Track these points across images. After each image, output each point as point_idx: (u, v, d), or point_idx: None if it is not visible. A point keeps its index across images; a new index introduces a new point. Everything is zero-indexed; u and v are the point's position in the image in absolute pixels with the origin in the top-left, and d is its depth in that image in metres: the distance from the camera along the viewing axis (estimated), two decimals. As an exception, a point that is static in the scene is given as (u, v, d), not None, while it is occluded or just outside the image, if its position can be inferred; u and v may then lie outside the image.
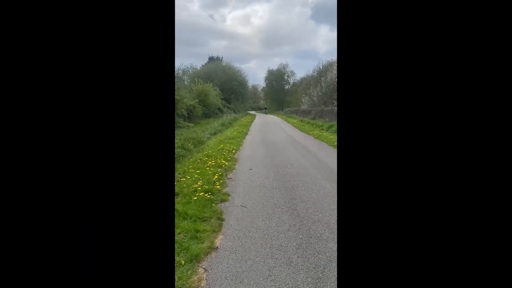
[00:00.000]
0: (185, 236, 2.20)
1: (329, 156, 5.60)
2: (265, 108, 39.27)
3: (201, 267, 1.85)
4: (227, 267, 1.84)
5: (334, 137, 8.41)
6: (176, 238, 2.12)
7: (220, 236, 2.27)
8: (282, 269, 1.81)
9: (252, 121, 19.28)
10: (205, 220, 2.54)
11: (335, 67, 21.61)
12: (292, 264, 1.86)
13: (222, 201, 3.09)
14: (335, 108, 14.58)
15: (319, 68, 25.91)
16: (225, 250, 2.05)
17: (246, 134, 10.44)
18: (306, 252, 2.00)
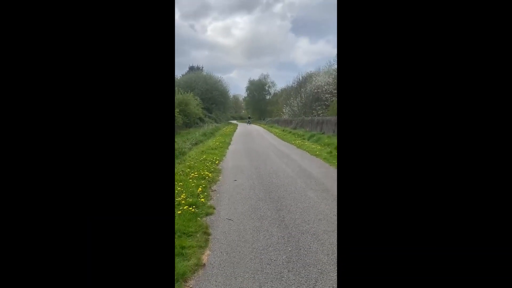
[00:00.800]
0: (170, 253, 2.08)
1: (312, 166, 5.68)
2: (249, 118, 33.30)
3: (188, 287, 1.75)
4: (215, 286, 1.76)
5: (315, 147, 8.58)
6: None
7: (207, 252, 2.18)
8: (273, 285, 1.76)
9: (234, 130, 19.23)
10: (190, 235, 2.43)
11: (314, 79, 22.35)
12: (283, 278, 1.82)
13: (208, 214, 3.00)
14: (315, 118, 14.97)
15: (299, 79, 26.68)
16: (213, 267, 1.97)
17: (229, 144, 10.36)
18: (297, 265, 1.97)
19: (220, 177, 4.77)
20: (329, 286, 1.73)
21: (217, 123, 26.03)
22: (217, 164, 5.94)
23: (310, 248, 2.21)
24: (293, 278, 1.82)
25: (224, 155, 7.40)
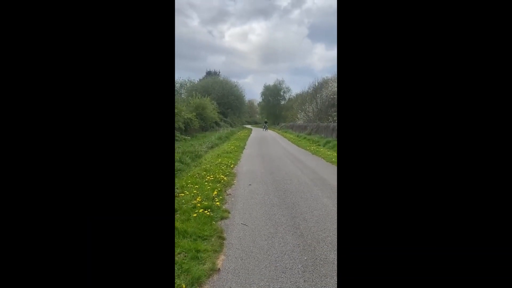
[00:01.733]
0: (185, 256, 2.10)
1: (328, 173, 5.57)
2: (265, 122, 31.48)
3: (203, 291, 1.75)
4: (230, 292, 1.74)
5: (331, 153, 8.43)
6: (176, 258, 2.02)
7: (222, 257, 2.18)
8: (288, 294, 1.72)
9: (249, 135, 19.30)
10: (205, 239, 2.44)
11: (331, 84, 22.09)
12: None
13: (222, 218, 3.00)
14: (331, 124, 14.74)
15: (315, 85, 26.45)
16: (228, 273, 1.95)
17: (244, 148, 10.40)
18: (313, 275, 1.92)
19: (235, 181, 4.78)
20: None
21: (232, 127, 26.26)
22: (232, 168, 5.97)
23: (326, 258, 2.15)
24: (309, 288, 1.77)
25: (239, 159, 7.43)
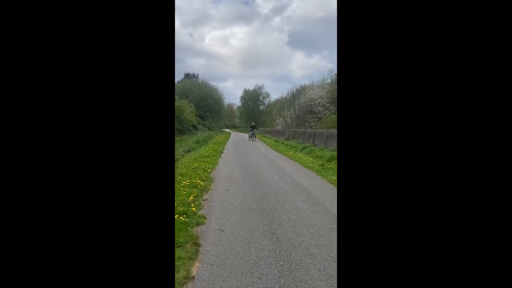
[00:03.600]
0: (158, 265, 2.02)
1: (304, 178, 5.69)
2: (252, 128, 20.54)
3: (176, 300, 1.69)
4: (205, 300, 1.70)
5: (307, 158, 8.62)
6: (148, 267, 1.94)
7: (197, 264, 2.12)
8: (264, 300, 1.72)
9: (228, 139, 19.18)
10: (180, 246, 2.37)
11: (308, 92, 22.72)
12: (274, 294, 1.78)
13: (198, 224, 2.94)
14: (308, 130, 15.10)
15: (293, 91, 27.07)
16: (203, 280, 1.91)
17: (222, 152, 10.30)
18: (288, 280, 1.94)
19: (212, 186, 4.71)
20: (321, 303, 1.70)
21: (211, 131, 25.94)
22: (209, 173, 5.88)
23: (301, 263, 2.18)
24: (285, 293, 1.78)
25: (217, 164, 7.34)
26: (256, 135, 25.96)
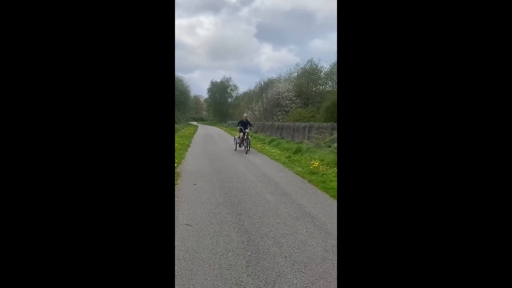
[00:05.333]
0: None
1: (272, 170, 5.83)
2: (246, 125, 8.99)
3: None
4: (172, 295, 1.69)
5: (275, 151, 8.83)
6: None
7: (164, 260, 2.08)
8: (232, 290, 1.76)
9: (195, 132, 18.73)
10: (145, 244, 2.30)
11: (276, 85, 23.05)
12: (242, 283, 1.83)
13: (165, 220, 2.86)
14: (275, 123, 15.40)
15: (261, 84, 27.25)
16: (170, 276, 1.88)
17: (189, 146, 10.06)
18: (255, 269, 2.00)
19: (179, 181, 4.60)
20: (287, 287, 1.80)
21: (176, 124, 25.05)
22: (176, 167, 5.72)
23: (268, 251, 2.26)
24: (252, 282, 1.85)
25: (183, 158, 7.16)
26: (224, 129, 24.59)
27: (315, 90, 21.47)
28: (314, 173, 5.31)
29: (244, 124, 8.95)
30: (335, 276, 1.91)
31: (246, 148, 8.48)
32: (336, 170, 5.44)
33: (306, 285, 1.82)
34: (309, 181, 4.79)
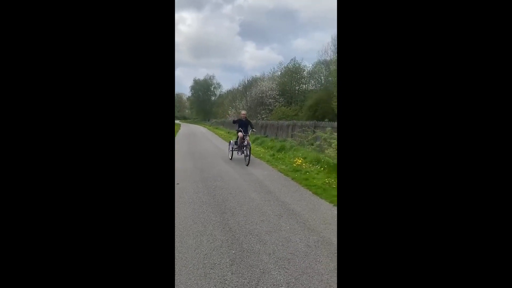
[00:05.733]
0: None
1: (256, 168, 5.86)
2: (247, 126, 6.63)
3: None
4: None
5: (259, 149, 8.87)
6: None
7: (146, 262, 2.04)
8: (216, 289, 1.76)
9: (177, 131, 18.38)
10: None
11: (260, 83, 23.09)
12: (226, 282, 1.84)
13: (147, 221, 2.80)
14: (259, 122, 15.45)
15: (245, 82, 27.21)
16: (152, 278, 1.85)
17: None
18: (240, 267, 2.02)
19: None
20: (271, 285, 1.82)
21: (158, 122, 24.37)
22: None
23: (252, 249, 2.28)
24: (236, 280, 1.86)
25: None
26: (208, 127, 24.05)
27: (298, 89, 21.76)
28: (297, 171, 5.40)
29: (244, 124, 6.63)
30: (318, 271, 1.97)
31: (246, 158, 6.28)
32: (318, 167, 5.56)
33: (289, 280, 1.86)
34: (292, 179, 4.87)
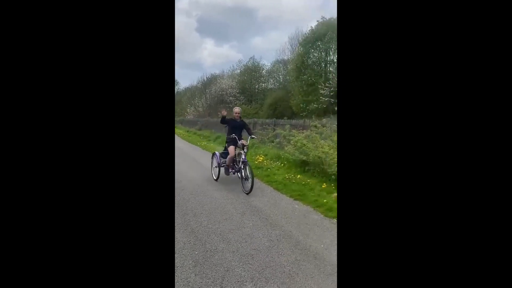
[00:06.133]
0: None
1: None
2: (241, 128, 4.39)
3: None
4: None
5: (220, 148, 8.78)
6: None
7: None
8: (179, 293, 1.71)
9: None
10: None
11: (219, 81, 22.81)
12: (189, 283, 1.80)
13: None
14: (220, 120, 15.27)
15: (204, 79, 26.61)
16: None
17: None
18: (204, 267, 1.99)
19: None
20: (235, 282, 1.84)
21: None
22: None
23: (216, 249, 2.27)
24: (200, 281, 1.83)
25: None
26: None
27: (258, 87, 22.07)
28: (259, 168, 5.49)
29: (238, 126, 4.36)
30: (280, 263, 2.05)
31: (246, 182, 3.88)
32: (279, 163, 5.74)
33: (253, 275, 1.90)
34: (254, 176, 4.94)
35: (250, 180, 3.78)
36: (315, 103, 12.28)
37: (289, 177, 4.64)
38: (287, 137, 6.66)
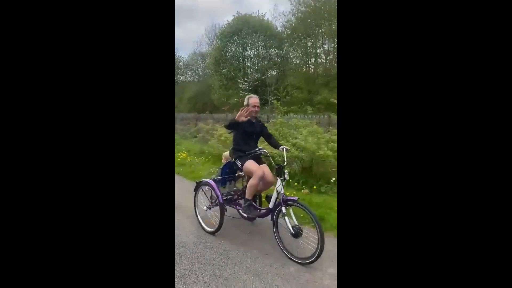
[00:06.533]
0: None
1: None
2: (259, 133, 2.48)
3: None
4: None
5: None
6: None
7: None
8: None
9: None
10: None
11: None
12: None
13: None
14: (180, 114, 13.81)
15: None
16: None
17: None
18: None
19: None
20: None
21: None
22: None
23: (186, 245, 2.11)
24: None
25: None
26: None
27: (176, 80, 20.91)
28: (182, 165, 5.30)
29: (255, 133, 2.48)
30: (209, 258, 2.09)
31: (296, 239, 1.97)
32: (203, 158, 5.69)
33: (182, 274, 1.87)
34: (177, 174, 4.74)
35: (318, 247, 1.85)
36: (236, 97, 12.60)
37: (214, 171, 4.66)
38: (210, 132, 6.63)
